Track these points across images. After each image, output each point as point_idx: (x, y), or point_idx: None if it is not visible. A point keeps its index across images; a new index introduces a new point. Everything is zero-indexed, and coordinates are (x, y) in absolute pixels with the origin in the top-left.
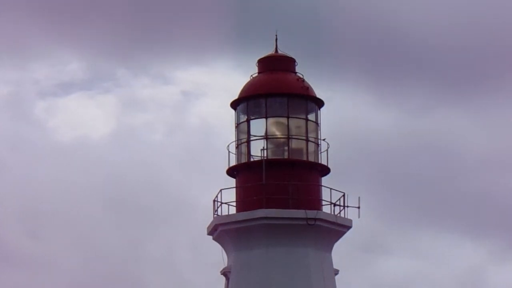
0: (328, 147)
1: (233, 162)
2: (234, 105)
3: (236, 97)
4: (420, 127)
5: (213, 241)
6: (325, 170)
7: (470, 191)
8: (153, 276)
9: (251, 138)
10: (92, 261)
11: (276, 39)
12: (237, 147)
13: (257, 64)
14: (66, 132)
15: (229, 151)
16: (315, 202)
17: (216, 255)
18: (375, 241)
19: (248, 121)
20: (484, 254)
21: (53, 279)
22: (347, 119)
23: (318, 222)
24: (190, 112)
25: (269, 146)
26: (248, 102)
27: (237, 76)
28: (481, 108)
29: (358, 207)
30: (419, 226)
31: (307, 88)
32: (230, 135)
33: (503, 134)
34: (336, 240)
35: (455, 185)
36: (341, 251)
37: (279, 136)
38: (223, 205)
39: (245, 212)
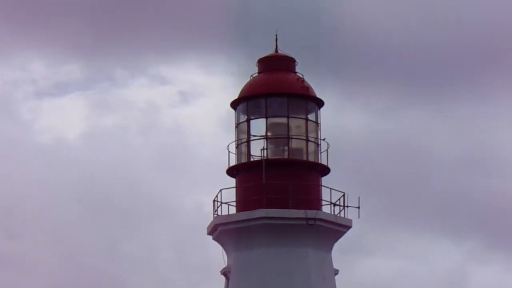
0: (328, 147)
1: (233, 162)
2: (234, 105)
3: (235, 97)
4: (388, 128)
5: (194, 241)
6: (325, 170)
7: (444, 191)
8: (132, 276)
9: (251, 138)
10: (71, 262)
11: (276, 39)
12: (237, 147)
13: (257, 64)
14: (47, 133)
15: (229, 151)
16: (315, 202)
17: (199, 255)
18: (356, 242)
19: (248, 121)
20: (462, 254)
21: (31, 280)
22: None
23: (318, 222)
24: (184, 112)
25: (269, 146)
26: (248, 102)
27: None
28: (449, 108)
29: (358, 207)
30: (397, 226)
31: (307, 88)
32: (217, 136)
33: (471, 134)
34: (336, 240)
35: (428, 186)
36: None
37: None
38: (223, 205)
39: (245, 212)
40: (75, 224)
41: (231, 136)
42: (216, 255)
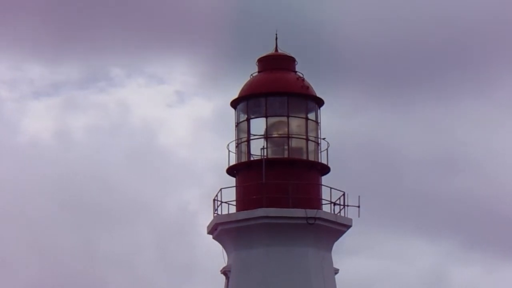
0: (328, 146)
1: (233, 161)
2: (234, 104)
3: (235, 96)
4: (353, 128)
5: (175, 240)
6: (325, 169)
7: (414, 191)
8: (111, 276)
9: (251, 137)
10: (48, 262)
11: (276, 38)
12: (237, 146)
13: (257, 63)
14: (26, 133)
15: (229, 150)
16: (315, 201)
17: (181, 255)
18: (337, 242)
19: (248, 120)
20: (439, 254)
21: (7, 281)
22: None
23: (318, 221)
24: (166, 113)
25: (269, 145)
26: (248, 101)
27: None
28: (415, 109)
29: (358, 206)
30: (375, 226)
31: (307, 87)
32: (198, 136)
33: (438, 134)
34: (336, 239)
35: (400, 186)
36: None
37: (279, 135)
38: (223, 204)
39: (245, 211)
40: (52, 224)
41: (213, 136)
42: (200, 255)
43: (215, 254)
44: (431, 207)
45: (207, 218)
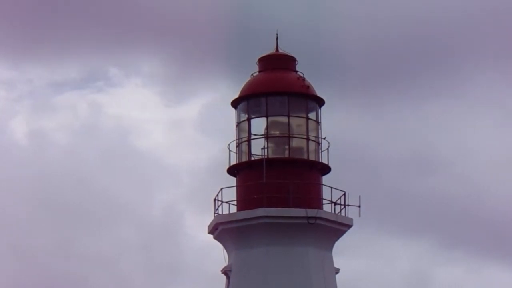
0: (329, 146)
1: (233, 161)
2: (235, 103)
3: (236, 95)
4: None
5: (158, 241)
6: (326, 169)
7: (390, 192)
8: (91, 277)
9: (252, 137)
10: (29, 263)
11: (277, 38)
12: (237, 146)
13: (257, 63)
14: (16, 133)
15: (229, 150)
16: (316, 201)
17: (162, 255)
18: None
19: (248, 120)
20: (418, 254)
21: None
22: None
23: (318, 221)
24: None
25: (270, 144)
26: (249, 101)
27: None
28: (384, 109)
29: (359, 206)
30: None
31: (308, 87)
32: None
33: (411, 134)
34: (337, 239)
35: (374, 186)
36: None
37: (279, 135)
38: (223, 204)
39: (245, 211)
40: (30, 225)
41: (197, 137)
42: (185, 255)
43: (201, 254)
44: (408, 206)
45: (191, 218)
